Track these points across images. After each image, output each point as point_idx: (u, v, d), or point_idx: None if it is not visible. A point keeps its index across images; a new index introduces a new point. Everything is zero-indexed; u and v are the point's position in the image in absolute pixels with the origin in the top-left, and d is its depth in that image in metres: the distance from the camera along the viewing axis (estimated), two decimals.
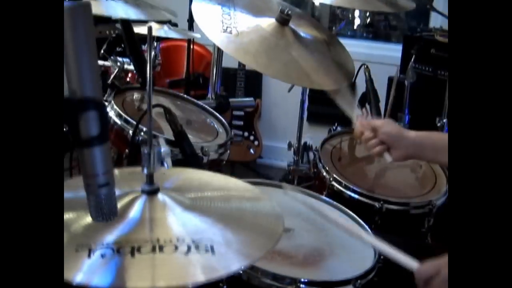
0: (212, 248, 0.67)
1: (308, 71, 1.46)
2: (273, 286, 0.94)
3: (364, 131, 1.25)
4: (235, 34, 1.47)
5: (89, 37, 0.56)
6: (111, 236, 0.68)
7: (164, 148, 0.80)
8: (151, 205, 0.75)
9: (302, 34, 1.56)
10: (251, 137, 3.25)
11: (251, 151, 3.27)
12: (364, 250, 1.10)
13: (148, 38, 0.73)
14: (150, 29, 0.73)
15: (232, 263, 0.66)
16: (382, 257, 1.07)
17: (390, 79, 2.78)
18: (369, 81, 1.64)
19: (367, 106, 1.63)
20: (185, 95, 1.49)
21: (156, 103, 1.29)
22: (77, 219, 0.70)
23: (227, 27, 1.47)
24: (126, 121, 1.18)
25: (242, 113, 3.17)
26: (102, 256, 0.65)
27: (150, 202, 0.76)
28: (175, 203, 0.76)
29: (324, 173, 1.48)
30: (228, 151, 1.31)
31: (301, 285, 0.94)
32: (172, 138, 1.01)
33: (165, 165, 0.81)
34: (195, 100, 1.45)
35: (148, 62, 0.73)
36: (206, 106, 1.44)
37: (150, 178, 0.76)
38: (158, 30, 1.72)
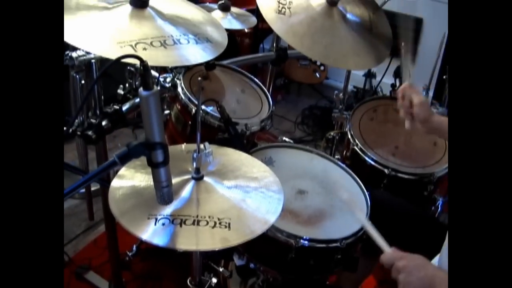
0: (229, 225, 1.07)
1: (346, 53, 1.71)
2: (281, 238, 1.34)
3: (404, 96, 1.46)
4: (288, 15, 1.73)
5: (158, 109, 0.93)
6: (169, 210, 1.10)
7: (208, 150, 1.17)
8: (197, 188, 1.16)
9: (348, 15, 1.80)
10: (318, 62, 3.50)
11: (317, 74, 3.55)
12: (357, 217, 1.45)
13: None
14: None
15: (239, 237, 1.06)
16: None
17: None
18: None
19: (398, 80, 1.87)
20: (241, 70, 1.80)
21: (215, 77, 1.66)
22: (152, 198, 1.10)
23: (282, 8, 1.73)
24: (189, 99, 1.51)
25: None
26: (163, 224, 1.07)
27: (197, 185, 1.16)
28: (213, 187, 1.16)
29: (349, 136, 1.81)
30: (270, 121, 1.63)
31: (301, 241, 1.33)
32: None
33: (209, 160, 1.19)
34: (249, 74, 1.78)
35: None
36: (258, 81, 1.77)
37: (197, 170, 1.16)
38: (223, 20, 1.83)
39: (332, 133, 2.31)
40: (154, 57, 1.08)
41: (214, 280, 1.42)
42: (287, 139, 1.98)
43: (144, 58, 0.95)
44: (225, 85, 1.75)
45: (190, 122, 1.50)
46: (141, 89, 0.91)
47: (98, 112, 1.57)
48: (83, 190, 2.24)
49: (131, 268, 2.22)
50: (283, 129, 3.45)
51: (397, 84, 1.90)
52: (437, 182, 1.74)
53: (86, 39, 1.07)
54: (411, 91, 1.46)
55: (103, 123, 1.52)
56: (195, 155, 1.14)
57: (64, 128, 1.75)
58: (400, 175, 1.69)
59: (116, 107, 1.55)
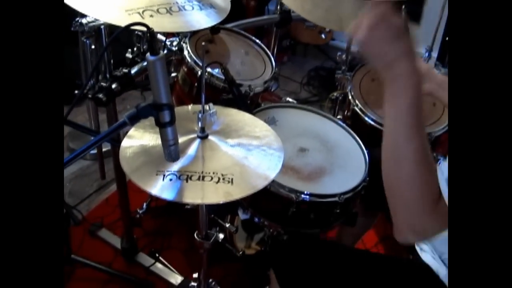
0: (232, 180, 1.15)
1: (348, 15, 1.75)
2: (282, 193, 1.43)
3: None
4: None
5: (164, 73, 1.00)
6: (176, 166, 1.17)
7: (212, 111, 1.24)
8: (203, 146, 1.23)
9: None
10: None
11: (322, 35, 3.56)
12: (356, 172, 1.53)
13: None
14: None
15: (241, 192, 1.14)
16: (367, 178, 1.51)
17: None
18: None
19: None
20: (245, 33, 1.85)
21: (220, 40, 1.71)
22: (160, 156, 1.18)
23: None
24: (195, 62, 1.56)
25: None
26: (170, 179, 1.15)
27: (202, 144, 1.23)
28: (218, 146, 1.24)
29: (350, 97, 1.87)
30: (273, 82, 1.69)
31: (301, 196, 1.41)
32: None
33: (213, 120, 1.26)
34: (253, 37, 1.83)
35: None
36: (261, 44, 1.81)
37: (202, 129, 1.23)
38: None
39: (335, 94, 2.36)
40: (161, 23, 1.13)
41: (221, 235, 1.52)
42: (290, 99, 2.04)
43: (150, 25, 1.01)
44: (230, 48, 1.80)
45: (196, 84, 1.56)
46: (148, 54, 0.97)
47: (108, 75, 1.64)
48: (94, 151, 2.33)
49: (141, 225, 2.33)
50: (289, 89, 3.50)
51: None
52: (436, 141, 1.79)
53: (96, 7, 1.12)
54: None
55: (113, 86, 1.58)
56: (200, 115, 1.21)
57: (76, 92, 1.83)
58: None
59: (125, 70, 1.62)
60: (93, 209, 2.44)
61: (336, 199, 1.42)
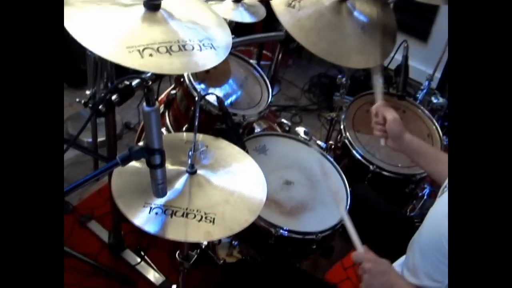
0: (213, 220, 1.22)
1: (349, 50, 1.79)
2: (263, 225, 1.49)
3: (378, 115, 1.57)
4: (297, 8, 1.79)
5: (158, 122, 1.05)
6: (163, 200, 1.24)
7: (202, 149, 1.30)
8: (190, 181, 1.29)
9: (355, 12, 1.86)
10: None
11: None
12: (336, 210, 1.58)
13: None
14: None
15: (221, 233, 1.20)
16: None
17: None
18: (405, 57, 1.95)
19: (398, 79, 1.96)
20: (247, 58, 1.89)
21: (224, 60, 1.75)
22: (147, 190, 1.23)
23: (292, 1, 1.79)
24: (193, 86, 1.60)
25: None
26: (156, 213, 1.21)
27: (190, 179, 1.30)
28: (205, 182, 1.30)
29: (342, 127, 1.92)
30: (268, 110, 1.74)
31: (280, 230, 1.47)
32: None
33: (202, 157, 1.32)
34: (254, 63, 1.87)
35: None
36: (261, 72, 1.86)
37: (192, 166, 1.29)
38: (234, 11, 1.81)
39: (331, 114, 2.42)
40: (159, 64, 1.15)
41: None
42: (284, 121, 2.10)
43: (148, 65, 1.08)
44: (231, 69, 1.84)
45: (192, 108, 1.62)
46: (144, 104, 1.03)
47: (109, 85, 1.69)
48: (90, 139, 2.37)
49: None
50: (289, 95, 3.54)
51: (396, 80, 1.98)
52: (420, 181, 1.86)
53: (97, 40, 1.13)
54: (384, 109, 1.55)
55: (113, 97, 1.63)
56: (190, 154, 1.27)
57: (77, 100, 1.88)
58: (384, 172, 1.81)
59: (127, 82, 1.66)
60: (85, 199, 2.51)
61: (313, 237, 1.48)
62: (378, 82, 1.71)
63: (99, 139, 2.24)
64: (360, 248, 1.27)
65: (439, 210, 1.24)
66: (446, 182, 1.32)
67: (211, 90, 1.72)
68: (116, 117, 1.77)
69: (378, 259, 1.25)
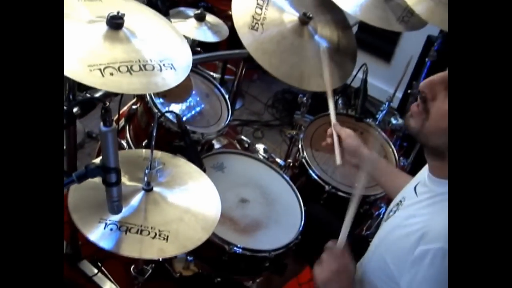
0: (167, 238, 1.24)
1: (309, 73, 1.84)
2: (216, 242, 1.52)
3: (331, 134, 1.61)
4: (260, 31, 1.83)
5: (115, 141, 1.08)
6: (118, 216, 1.26)
7: (159, 167, 1.34)
8: (146, 198, 1.32)
9: (316, 36, 1.92)
10: None
11: None
12: (290, 229, 1.63)
13: None
14: None
15: (174, 250, 1.23)
16: (299, 237, 1.61)
17: (429, 38, 3.05)
18: (364, 81, 2.02)
19: (356, 101, 2.03)
20: (210, 76, 1.93)
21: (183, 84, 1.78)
22: (103, 206, 1.25)
23: (255, 23, 1.83)
24: (153, 103, 1.63)
25: None
26: (111, 229, 1.23)
27: (146, 196, 1.32)
28: (160, 200, 1.32)
29: (300, 146, 1.97)
30: (224, 131, 1.79)
31: (234, 248, 1.51)
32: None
33: (158, 175, 1.35)
34: (216, 82, 1.91)
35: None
36: (223, 91, 1.89)
37: (148, 183, 1.32)
38: (197, 30, 1.87)
39: (291, 132, 2.47)
40: (119, 84, 1.18)
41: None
42: (244, 138, 2.14)
43: (109, 84, 1.11)
44: (194, 85, 1.88)
45: (152, 124, 1.64)
46: (101, 124, 1.05)
47: (71, 97, 1.69)
48: None
49: None
50: (253, 109, 3.59)
51: (355, 102, 2.04)
52: (374, 202, 1.92)
53: None
54: (338, 128, 1.61)
55: (74, 110, 1.64)
56: (147, 171, 1.29)
57: None
58: (339, 193, 1.86)
59: (89, 95, 1.67)
60: None
61: (266, 254, 1.52)
62: (330, 103, 1.75)
63: None
64: (341, 243, 1.28)
65: (385, 235, 1.29)
66: (392, 205, 1.38)
67: (171, 105, 1.75)
68: (78, 126, 1.78)
69: (342, 255, 1.26)
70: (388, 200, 2.17)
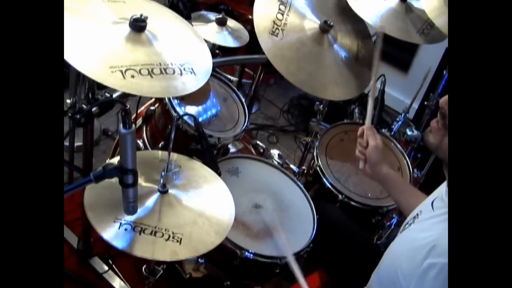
0: (180, 240, 1.25)
1: (327, 82, 1.84)
2: (228, 246, 1.53)
3: (362, 135, 1.59)
4: (280, 37, 1.84)
5: (134, 143, 1.09)
6: (133, 217, 1.27)
7: (175, 170, 1.35)
8: (161, 200, 1.33)
9: (335, 45, 1.92)
10: None
11: None
12: (302, 237, 1.63)
13: None
14: None
15: (187, 253, 1.24)
16: (311, 245, 1.61)
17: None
18: (381, 91, 2.02)
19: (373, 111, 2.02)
20: (228, 80, 1.94)
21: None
22: (118, 205, 1.27)
23: (275, 29, 1.83)
24: (172, 105, 1.63)
25: None
26: (125, 229, 1.25)
27: (161, 198, 1.33)
28: (175, 202, 1.33)
29: (314, 154, 1.97)
30: (240, 136, 1.79)
31: (246, 253, 1.51)
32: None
33: (174, 178, 1.36)
34: (234, 87, 1.92)
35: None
36: (240, 96, 1.90)
37: (163, 185, 1.33)
38: (218, 34, 1.90)
39: (306, 139, 2.47)
40: (140, 86, 1.19)
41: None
42: (259, 143, 2.14)
43: (129, 86, 1.12)
44: (212, 89, 1.89)
45: (169, 126, 1.65)
46: (121, 126, 1.06)
47: (90, 96, 1.71)
48: (67, 143, 2.37)
49: None
50: (268, 114, 3.59)
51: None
52: (386, 213, 1.92)
53: (82, 57, 1.17)
54: (370, 133, 1.58)
55: (93, 109, 1.66)
56: (163, 174, 1.30)
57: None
58: (352, 203, 1.86)
59: (108, 94, 1.69)
60: None
61: (277, 261, 1.53)
62: (370, 106, 1.71)
63: (76, 144, 2.25)
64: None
65: (398, 247, 1.30)
66: (409, 218, 1.38)
67: (189, 108, 1.76)
68: (94, 123, 1.80)
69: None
70: (400, 211, 2.17)
